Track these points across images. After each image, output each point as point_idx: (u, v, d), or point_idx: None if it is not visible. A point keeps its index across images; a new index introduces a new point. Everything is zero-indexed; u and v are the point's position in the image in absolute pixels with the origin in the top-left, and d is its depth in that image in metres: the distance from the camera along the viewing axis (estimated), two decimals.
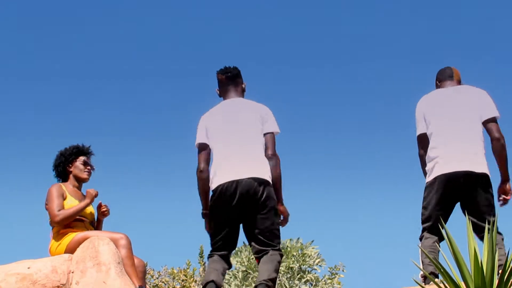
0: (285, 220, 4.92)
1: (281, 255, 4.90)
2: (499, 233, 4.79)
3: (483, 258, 3.26)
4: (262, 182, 4.79)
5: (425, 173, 5.12)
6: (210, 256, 4.86)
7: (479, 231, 4.77)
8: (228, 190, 4.77)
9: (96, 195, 5.41)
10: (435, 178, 4.94)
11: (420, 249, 4.87)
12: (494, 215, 4.79)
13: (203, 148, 4.96)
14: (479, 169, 4.89)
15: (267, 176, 4.82)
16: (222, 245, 4.83)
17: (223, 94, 5.14)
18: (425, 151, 5.11)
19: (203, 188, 4.90)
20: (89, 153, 5.66)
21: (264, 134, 4.95)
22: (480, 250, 3.33)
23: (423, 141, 5.15)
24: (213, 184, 4.86)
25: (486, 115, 5.01)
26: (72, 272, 4.98)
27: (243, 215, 4.82)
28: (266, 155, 4.90)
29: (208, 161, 4.95)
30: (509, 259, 3.22)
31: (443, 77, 5.34)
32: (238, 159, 4.84)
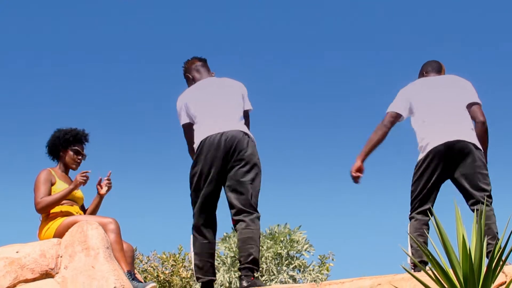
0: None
1: (259, 218, 4.90)
2: (488, 206, 4.80)
3: (471, 245, 3.27)
4: (247, 134, 4.93)
5: (375, 145, 5.16)
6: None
7: (472, 202, 4.80)
8: (215, 139, 4.84)
9: (83, 183, 5.29)
10: (429, 152, 4.96)
11: (408, 235, 4.89)
12: (489, 184, 4.85)
13: (187, 128, 5.08)
14: (472, 140, 4.97)
15: (250, 133, 4.97)
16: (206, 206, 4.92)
17: (198, 76, 5.23)
18: (389, 129, 5.18)
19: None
20: (85, 140, 5.59)
21: (244, 111, 5.11)
22: (468, 237, 3.35)
23: (394, 119, 5.19)
24: (197, 139, 4.93)
25: (471, 99, 5.12)
26: (61, 257, 4.98)
27: (225, 167, 4.86)
28: None
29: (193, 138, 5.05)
30: (496, 247, 3.24)
31: (431, 69, 5.36)
32: (222, 116, 4.94)
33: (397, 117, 5.20)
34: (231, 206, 4.85)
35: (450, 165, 4.93)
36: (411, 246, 4.88)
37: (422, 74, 5.40)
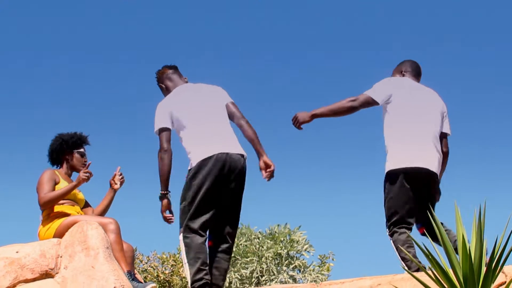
0: (271, 173, 4.86)
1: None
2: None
3: (471, 245, 3.28)
4: (244, 159, 4.87)
5: (335, 114, 5.09)
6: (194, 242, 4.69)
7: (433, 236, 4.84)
8: (220, 158, 4.73)
9: (86, 179, 5.29)
10: (404, 170, 4.93)
11: (395, 246, 4.87)
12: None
13: (164, 130, 4.91)
14: (437, 171, 5.07)
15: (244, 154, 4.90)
16: (207, 224, 4.74)
17: (171, 85, 5.17)
18: (357, 110, 5.10)
19: (167, 168, 4.82)
20: (87, 143, 5.65)
21: (227, 104, 5.03)
22: (468, 238, 3.35)
23: (368, 105, 5.11)
24: (198, 156, 4.77)
25: (446, 129, 5.22)
26: (61, 257, 4.98)
27: (225, 192, 4.78)
28: (238, 119, 4.98)
29: (170, 141, 4.91)
30: (497, 246, 3.24)
31: (411, 71, 5.29)
32: (220, 135, 4.85)
33: (372, 104, 5.11)
34: (222, 230, 4.84)
35: (422, 188, 5.01)
36: (404, 259, 4.84)
37: (400, 72, 5.31)
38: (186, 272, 4.65)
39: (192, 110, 4.93)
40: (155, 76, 5.28)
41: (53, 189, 5.29)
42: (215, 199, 4.75)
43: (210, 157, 4.73)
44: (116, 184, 5.58)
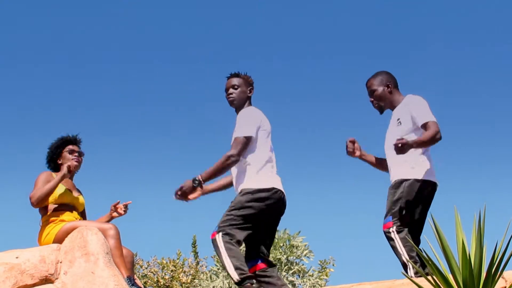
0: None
1: None
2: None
3: (471, 251, 3.28)
4: None
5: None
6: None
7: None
8: (283, 197, 4.95)
9: (71, 167, 5.33)
10: (432, 184, 5.06)
11: (402, 244, 4.89)
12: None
13: (249, 139, 4.94)
14: None
15: None
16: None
17: (250, 99, 5.19)
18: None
19: (224, 172, 4.94)
20: (76, 141, 5.63)
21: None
22: (468, 243, 3.35)
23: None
24: (268, 183, 4.91)
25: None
26: (61, 262, 4.98)
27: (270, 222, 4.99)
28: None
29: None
30: (496, 252, 3.24)
31: (396, 85, 5.32)
32: (275, 169, 5.05)
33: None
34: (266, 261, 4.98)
35: (428, 202, 5.11)
36: (410, 257, 4.84)
37: (387, 85, 5.29)
38: (229, 265, 4.67)
39: (267, 137, 5.03)
40: (247, 76, 5.18)
41: None
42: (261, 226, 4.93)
43: (275, 191, 4.89)
44: (115, 212, 5.59)
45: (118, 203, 5.59)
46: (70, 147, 5.55)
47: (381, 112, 5.33)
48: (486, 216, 3.27)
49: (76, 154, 5.53)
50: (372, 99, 5.31)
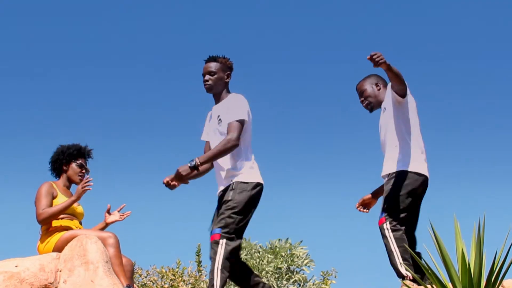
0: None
1: None
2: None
3: (471, 259, 3.27)
4: None
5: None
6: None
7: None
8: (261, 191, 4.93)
9: (85, 191, 5.27)
10: (426, 179, 5.06)
11: (396, 243, 4.88)
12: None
13: (244, 124, 4.87)
14: None
15: None
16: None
17: (228, 84, 5.10)
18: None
19: (222, 156, 4.84)
20: (89, 155, 5.63)
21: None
22: (467, 252, 3.34)
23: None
24: (255, 177, 4.89)
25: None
26: (60, 271, 4.97)
27: None
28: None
29: None
30: (496, 260, 3.23)
31: (386, 85, 5.36)
32: None
33: (400, 90, 5.09)
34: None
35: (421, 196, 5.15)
36: (404, 259, 4.82)
37: (377, 85, 5.41)
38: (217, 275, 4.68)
39: (250, 126, 4.99)
40: (225, 59, 5.05)
41: (51, 204, 5.28)
42: None
43: (262, 186, 4.88)
44: (109, 218, 5.58)
45: (109, 208, 5.60)
46: (81, 161, 5.55)
47: (371, 111, 5.42)
48: (486, 224, 3.27)
49: (84, 171, 5.53)
50: (362, 99, 5.41)
